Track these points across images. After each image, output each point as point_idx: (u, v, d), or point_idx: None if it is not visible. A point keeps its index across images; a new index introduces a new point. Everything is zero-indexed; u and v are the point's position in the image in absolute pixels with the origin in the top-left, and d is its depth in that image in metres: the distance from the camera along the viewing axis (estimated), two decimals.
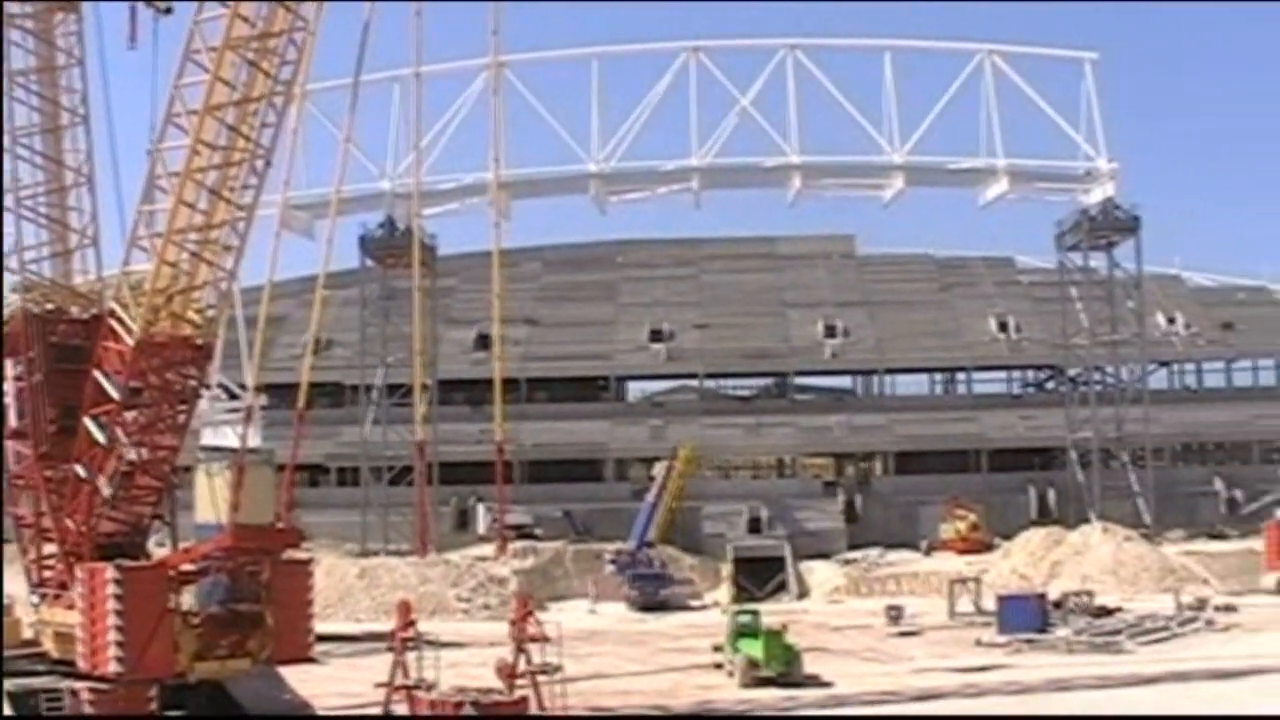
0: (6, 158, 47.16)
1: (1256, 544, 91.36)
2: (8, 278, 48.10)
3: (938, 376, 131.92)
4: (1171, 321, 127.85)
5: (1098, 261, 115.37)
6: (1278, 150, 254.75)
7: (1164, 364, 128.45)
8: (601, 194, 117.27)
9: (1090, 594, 77.16)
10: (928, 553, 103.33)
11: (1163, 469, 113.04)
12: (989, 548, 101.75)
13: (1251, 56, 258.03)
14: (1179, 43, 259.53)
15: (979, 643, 66.23)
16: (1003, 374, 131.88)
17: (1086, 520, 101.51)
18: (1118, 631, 67.25)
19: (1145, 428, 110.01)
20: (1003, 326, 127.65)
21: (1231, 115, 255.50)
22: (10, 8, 47.33)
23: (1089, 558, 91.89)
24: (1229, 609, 75.99)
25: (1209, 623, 71.58)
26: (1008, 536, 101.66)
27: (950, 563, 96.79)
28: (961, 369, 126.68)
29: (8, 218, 47.23)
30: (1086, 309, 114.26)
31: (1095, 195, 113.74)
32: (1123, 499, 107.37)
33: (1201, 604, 75.96)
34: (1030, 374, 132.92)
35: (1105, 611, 73.38)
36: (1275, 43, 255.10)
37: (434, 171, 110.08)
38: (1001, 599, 72.07)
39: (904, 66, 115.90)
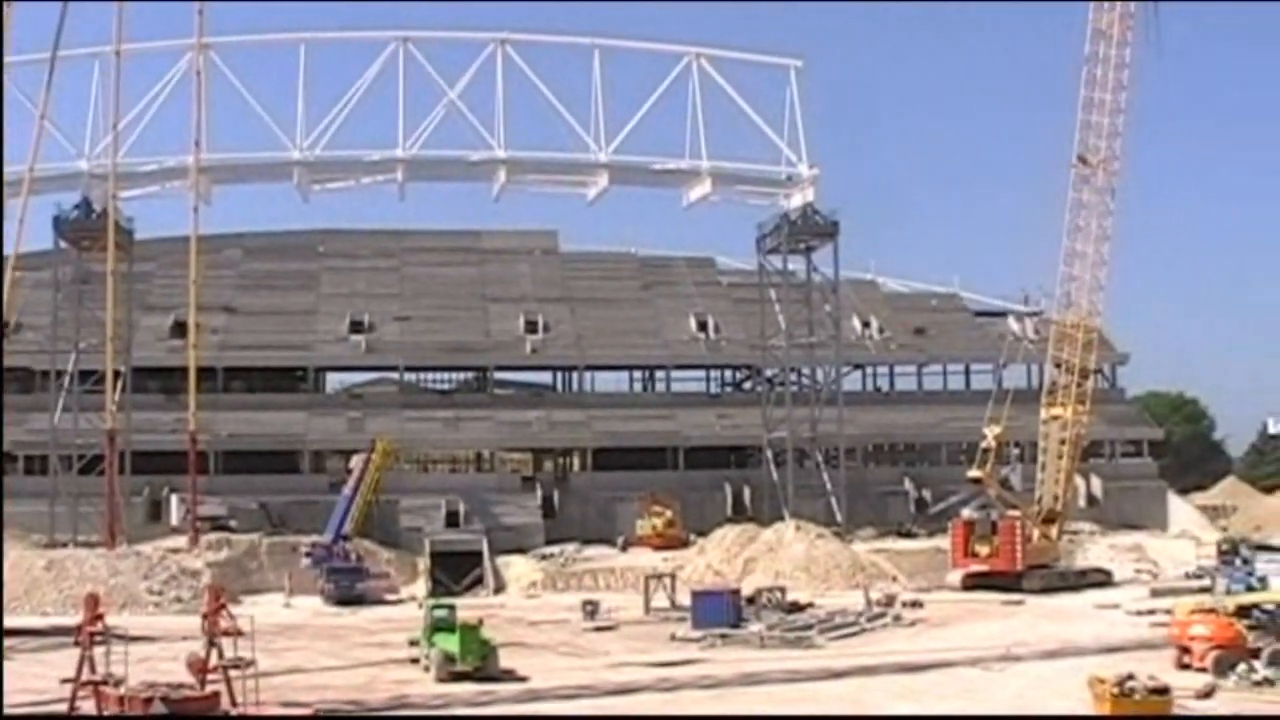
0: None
1: (943, 542, 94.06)
2: None
3: (637, 374, 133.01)
4: (866, 325, 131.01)
5: (796, 265, 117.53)
6: (973, 159, 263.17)
7: (858, 366, 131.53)
8: (305, 182, 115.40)
9: (783, 590, 78.38)
10: (624, 548, 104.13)
11: (855, 469, 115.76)
12: (685, 544, 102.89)
13: (949, 67, 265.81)
14: (878, 51, 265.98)
15: (674, 637, 66.75)
16: (701, 373, 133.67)
17: (780, 518, 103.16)
18: (809, 627, 68.37)
19: (839, 428, 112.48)
20: (702, 326, 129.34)
21: (928, 125, 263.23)
22: None
23: (782, 554, 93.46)
24: (916, 605, 78.06)
25: (897, 618, 73.35)
26: (703, 533, 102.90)
27: (646, 558, 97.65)
28: (661, 367, 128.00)
29: None
30: (784, 311, 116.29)
31: (796, 200, 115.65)
32: (816, 497, 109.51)
33: (890, 600, 77.83)
34: (728, 373, 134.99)
35: (797, 607, 74.68)
36: (970, 52, 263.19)
37: (134, 153, 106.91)
38: (696, 594, 72.73)
39: (612, 65, 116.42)
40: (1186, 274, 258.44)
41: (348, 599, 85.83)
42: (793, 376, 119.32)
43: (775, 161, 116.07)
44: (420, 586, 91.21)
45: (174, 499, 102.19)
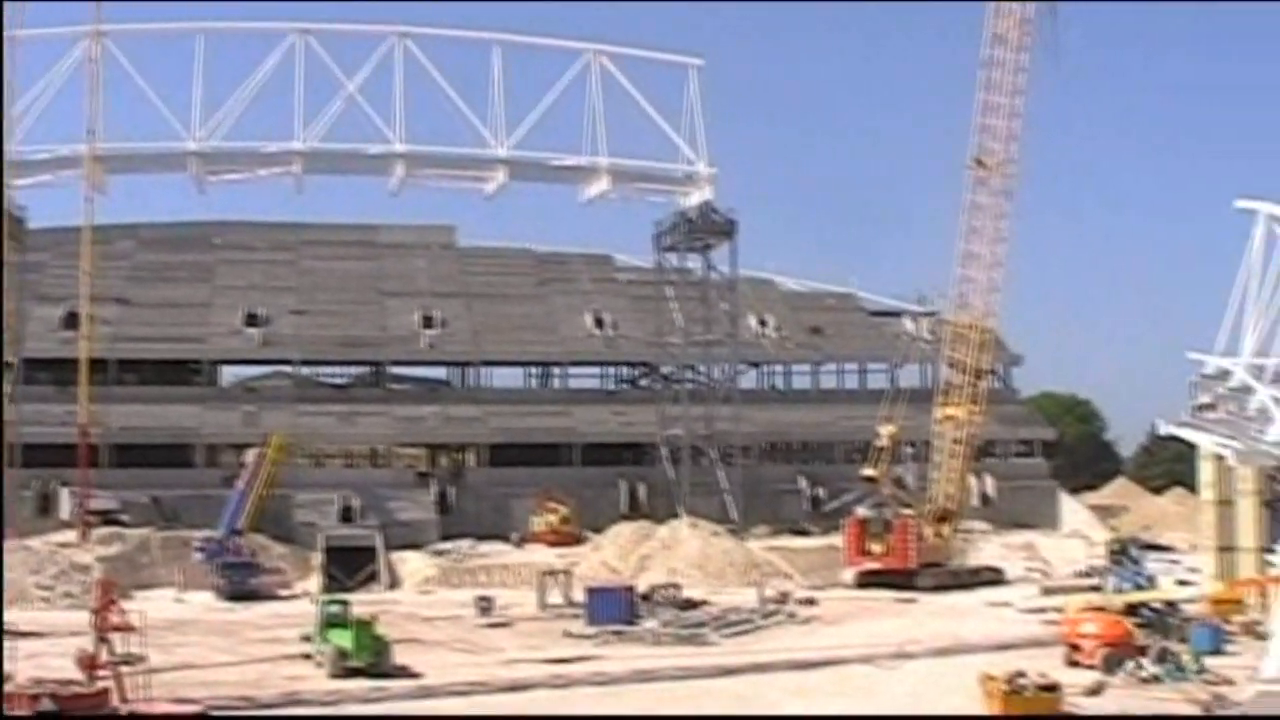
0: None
1: (837, 540, 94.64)
2: None
3: (533, 370, 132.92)
4: (763, 324, 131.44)
5: (694, 263, 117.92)
6: (870, 160, 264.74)
7: (754, 365, 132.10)
8: (201, 173, 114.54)
9: (677, 587, 78.51)
10: (519, 545, 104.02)
11: (750, 467, 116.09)
12: (579, 540, 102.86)
13: (849, 67, 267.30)
14: (778, 50, 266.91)
15: (568, 634, 66.76)
16: (598, 370, 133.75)
17: (676, 515, 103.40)
18: (703, 624, 68.56)
19: (735, 426, 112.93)
20: (599, 323, 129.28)
21: (827, 125, 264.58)
22: None
23: (677, 552, 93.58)
24: (810, 602, 78.52)
25: (791, 616, 73.69)
26: (598, 530, 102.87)
27: (541, 555, 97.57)
28: (557, 364, 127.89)
29: None
30: (682, 309, 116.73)
31: (694, 198, 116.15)
32: (711, 495, 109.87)
33: (784, 598, 78.16)
34: (625, 371, 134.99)
35: (691, 604, 74.78)
36: (870, 53, 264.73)
37: (27, 141, 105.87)
38: (591, 591, 72.75)
39: (512, 61, 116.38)
40: (1080, 276, 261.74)
41: (240, 594, 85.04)
42: (689, 374, 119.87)
43: (674, 159, 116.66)
44: (314, 582, 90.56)
45: (64, 492, 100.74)
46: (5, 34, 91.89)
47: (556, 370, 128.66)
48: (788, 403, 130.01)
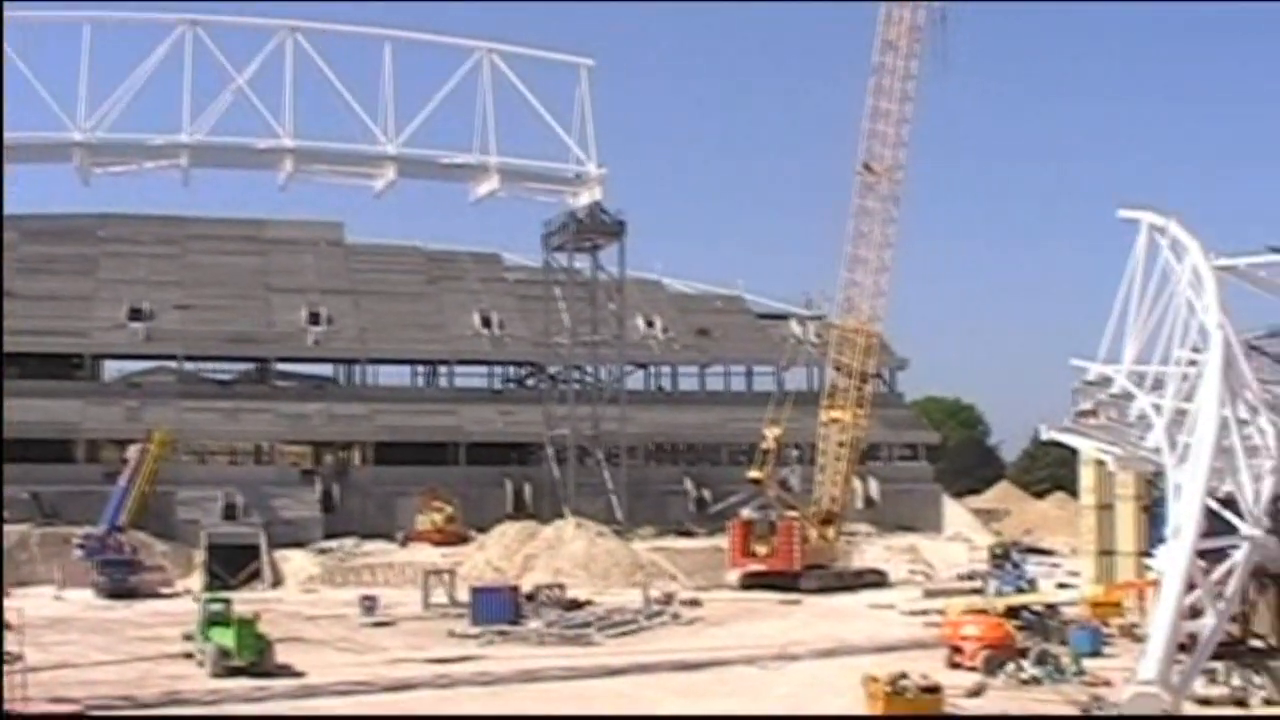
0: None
1: (722, 542, 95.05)
2: None
3: (420, 369, 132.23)
4: (650, 325, 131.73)
5: (582, 263, 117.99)
6: (760, 163, 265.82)
7: (642, 366, 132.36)
8: (86, 164, 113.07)
9: (562, 587, 78.51)
10: (404, 543, 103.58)
11: (636, 467, 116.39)
12: (465, 540, 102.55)
13: (740, 69, 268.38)
14: (669, 51, 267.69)
15: (452, 634, 66.60)
16: (484, 369, 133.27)
17: (561, 515, 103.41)
18: (588, 624, 68.62)
19: (621, 427, 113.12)
20: (486, 322, 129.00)
21: (717, 127, 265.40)
22: None
23: (562, 552, 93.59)
24: (695, 603, 78.76)
25: (675, 616, 73.85)
26: (484, 529, 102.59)
27: (426, 554, 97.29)
28: (444, 362, 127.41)
29: None
30: (569, 309, 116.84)
31: (584, 198, 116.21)
32: (597, 495, 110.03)
33: (668, 598, 78.30)
34: (512, 370, 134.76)
35: (576, 605, 74.84)
36: (762, 56, 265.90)
37: None
38: (475, 591, 72.61)
39: (403, 58, 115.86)
40: (966, 282, 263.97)
41: (121, 592, 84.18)
42: (576, 374, 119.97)
43: (564, 159, 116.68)
44: (196, 580, 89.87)
45: None
46: None
47: (443, 369, 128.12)
48: (674, 404, 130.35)
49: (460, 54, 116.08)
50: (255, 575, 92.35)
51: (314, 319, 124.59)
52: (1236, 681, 48.59)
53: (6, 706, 41.41)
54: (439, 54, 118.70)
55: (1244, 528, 46.28)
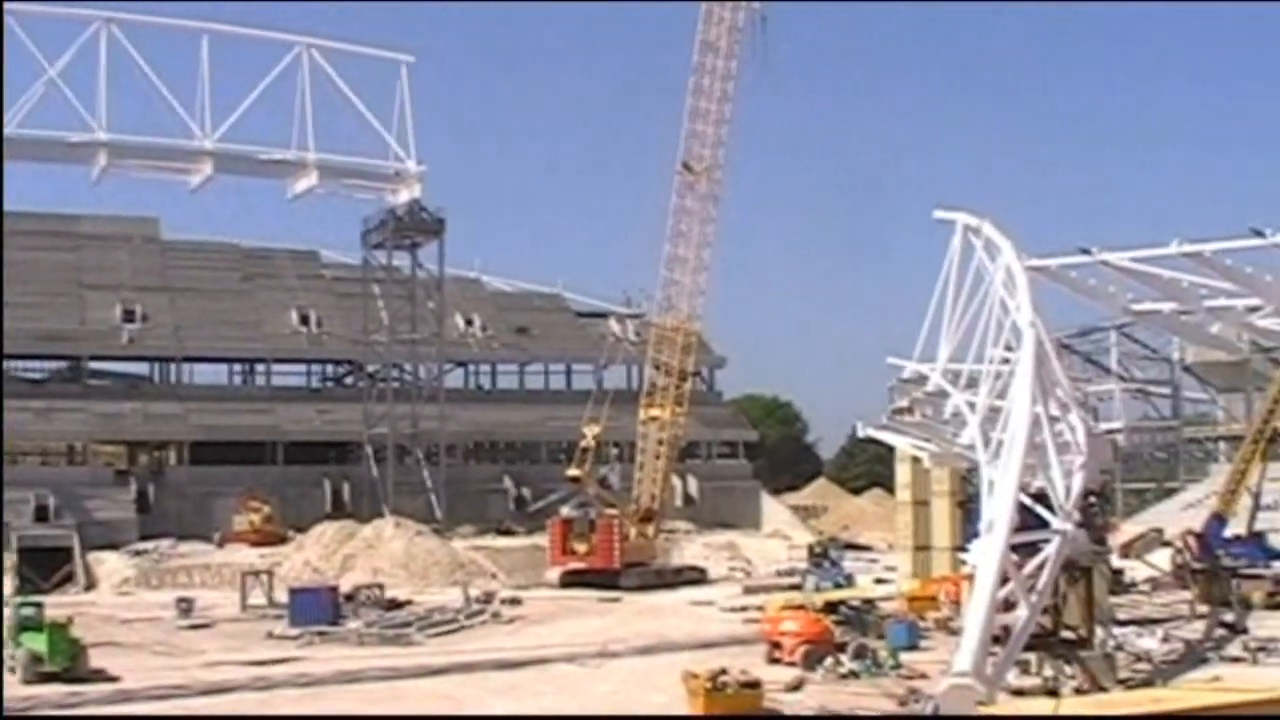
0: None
1: (542, 540, 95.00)
2: None
3: (237, 367, 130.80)
4: (470, 323, 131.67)
5: (401, 261, 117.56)
6: (581, 162, 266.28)
7: (461, 364, 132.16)
8: None
9: (381, 587, 78.03)
10: (221, 544, 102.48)
11: (455, 466, 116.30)
12: (282, 540, 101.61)
13: (559, 68, 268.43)
14: (488, 50, 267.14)
15: (271, 635, 65.89)
16: (302, 367, 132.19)
17: (380, 515, 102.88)
18: (408, 624, 68.25)
19: (440, 425, 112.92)
20: (304, 320, 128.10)
21: (536, 126, 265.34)
22: None
23: (381, 551, 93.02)
24: (515, 602, 78.59)
25: (496, 615, 73.68)
26: (302, 529, 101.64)
27: (243, 555, 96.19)
28: (261, 360, 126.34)
29: None
30: (388, 307, 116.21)
31: (403, 196, 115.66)
32: (416, 494, 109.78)
33: (489, 597, 78.14)
34: (330, 368, 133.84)
35: (396, 604, 74.47)
36: (580, 55, 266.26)
37: None
38: (294, 592, 71.90)
39: (221, 52, 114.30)
40: (785, 281, 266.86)
41: None
42: (395, 372, 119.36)
43: (383, 156, 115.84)
44: (6, 584, 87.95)
45: None
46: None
47: (260, 367, 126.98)
48: (494, 402, 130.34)
49: (279, 49, 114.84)
50: (68, 578, 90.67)
51: (128, 316, 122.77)
52: (1049, 672, 49.59)
53: None
54: (257, 48, 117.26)
55: (1055, 522, 47.28)
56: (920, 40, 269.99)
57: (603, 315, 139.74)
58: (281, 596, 74.19)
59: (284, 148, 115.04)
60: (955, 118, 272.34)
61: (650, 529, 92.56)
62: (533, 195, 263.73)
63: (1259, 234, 58.76)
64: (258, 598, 76.79)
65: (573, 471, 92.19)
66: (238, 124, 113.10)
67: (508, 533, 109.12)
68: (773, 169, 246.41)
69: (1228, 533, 79.42)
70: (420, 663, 57.32)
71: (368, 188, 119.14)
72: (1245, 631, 63.35)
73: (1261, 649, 58.34)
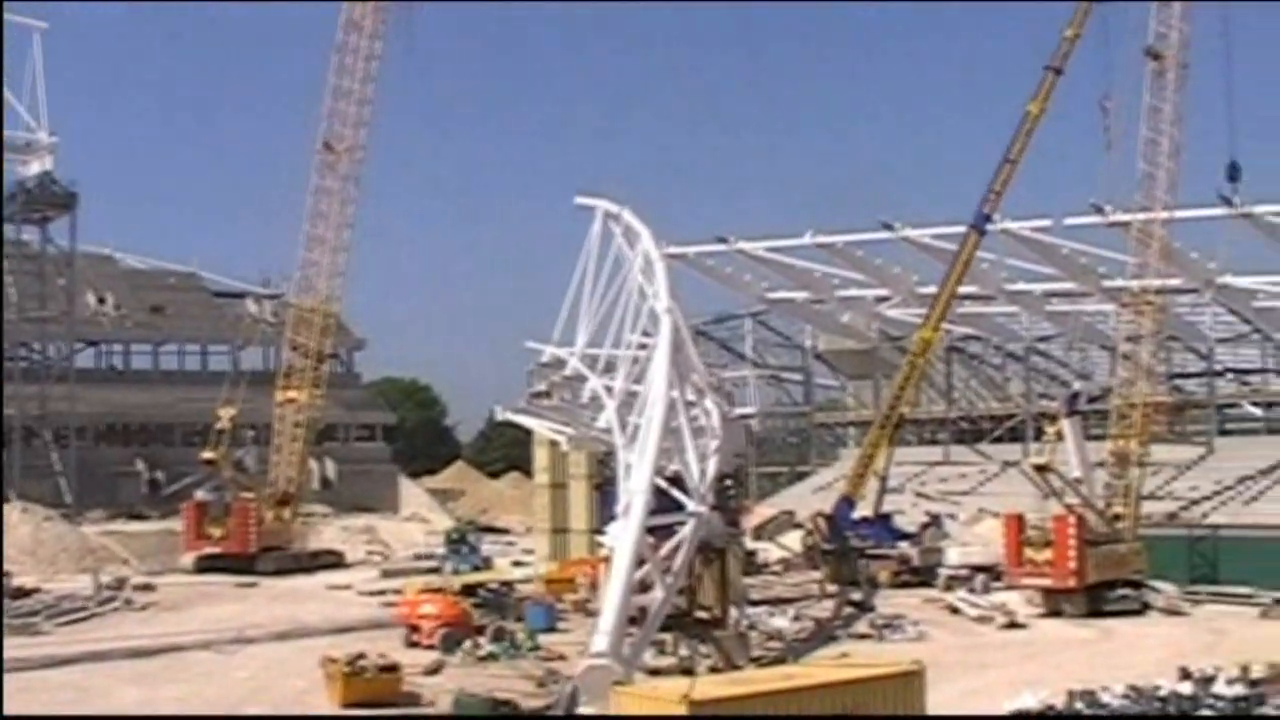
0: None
1: (176, 524, 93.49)
2: None
3: None
4: (102, 301, 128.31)
5: (31, 235, 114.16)
6: (220, 139, 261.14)
7: (92, 343, 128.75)
8: None
9: (9, 575, 75.78)
10: None
11: (86, 448, 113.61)
12: None
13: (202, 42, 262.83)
14: (123, 20, 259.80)
15: None
16: None
17: (5, 499, 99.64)
18: (35, 613, 66.48)
19: (70, 406, 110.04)
20: None
21: (176, 100, 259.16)
22: None
23: (7, 538, 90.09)
24: (148, 588, 77.05)
25: (128, 602, 72.21)
26: None
27: None
28: None
29: None
30: (16, 283, 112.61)
31: (34, 168, 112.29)
32: (44, 478, 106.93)
33: (121, 584, 76.50)
34: None
35: (23, 593, 72.28)
36: (219, 33, 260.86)
37: None
38: None
39: None
40: (426, 264, 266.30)
41: None
42: (22, 351, 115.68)
43: (14, 127, 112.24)
44: None
45: None
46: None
47: None
48: (127, 383, 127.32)
49: None
50: None
51: None
52: (684, 651, 50.90)
53: None
54: None
55: (690, 505, 48.54)
56: (570, 29, 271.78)
57: (240, 295, 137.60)
58: None
59: None
60: (598, 106, 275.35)
61: (287, 512, 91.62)
62: (171, 171, 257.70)
63: (888, 226, 60.97)
64: None
65: (208, 454, 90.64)
66: None
67: (140, 517, 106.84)
68: (417, 150, 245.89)
69: (856, 514, 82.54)
70: (48, 653, 55.99)
71: None
72: (872, 609, 66.04)
73: (887, 625, 61.05)
